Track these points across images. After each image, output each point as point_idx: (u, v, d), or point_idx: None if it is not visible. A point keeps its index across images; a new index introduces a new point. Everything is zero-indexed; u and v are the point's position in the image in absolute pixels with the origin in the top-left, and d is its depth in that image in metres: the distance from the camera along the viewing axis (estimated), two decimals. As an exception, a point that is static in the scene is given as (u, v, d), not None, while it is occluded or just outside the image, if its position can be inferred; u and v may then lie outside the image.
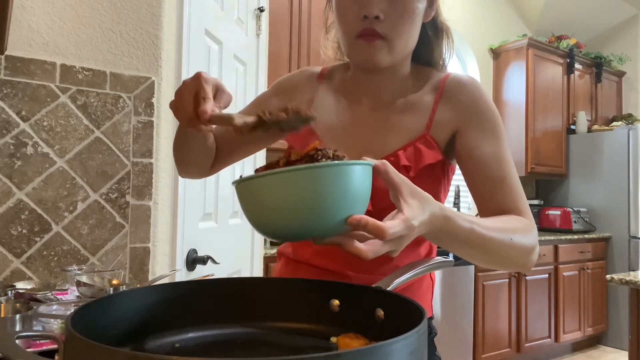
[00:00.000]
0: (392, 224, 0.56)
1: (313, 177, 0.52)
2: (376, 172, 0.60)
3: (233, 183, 0.58)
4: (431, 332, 0.97)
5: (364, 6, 0.82)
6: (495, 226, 0.74)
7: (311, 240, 0.59)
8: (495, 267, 0.80)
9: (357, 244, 0.57)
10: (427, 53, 0.96)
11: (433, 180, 0.89)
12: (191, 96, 0.68)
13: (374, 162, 0.59)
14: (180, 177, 1.67)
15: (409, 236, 0.60)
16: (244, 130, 0.62)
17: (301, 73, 1.03)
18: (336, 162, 0.55)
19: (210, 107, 0.65)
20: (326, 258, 0.91)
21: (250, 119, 0.63)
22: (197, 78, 0.68)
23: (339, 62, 1.03)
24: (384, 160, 0.61)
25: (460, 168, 0.90)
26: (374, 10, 0.82)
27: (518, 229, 0.78)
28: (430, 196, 0.65)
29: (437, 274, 3.30)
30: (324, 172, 0.53)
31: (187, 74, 1.69)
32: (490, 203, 0.84)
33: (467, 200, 4.63)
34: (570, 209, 4.51)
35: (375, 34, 0.83)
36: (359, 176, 0.56)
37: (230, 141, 0.98)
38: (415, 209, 0.60)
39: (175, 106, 0.71)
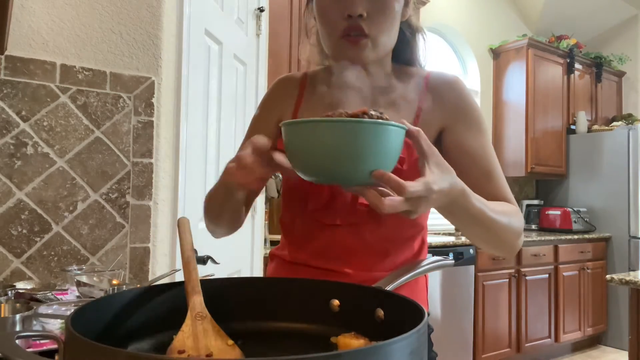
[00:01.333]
0: (412, 184, 0.61)
1: (352, 129, 0.60)
2: (409, 136, 0.65)
3: (282, 124, 0.66)
4: (427, 329, 0.97)
5: (347, 6, 0.85)
6: (497, 209, 0.80)
7: (340, 186, 0.66)
8: (491, 246, 0.85)
9: (378, 196, 0.61)
10: (407, 52, 0.98)
11: None
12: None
13: (408, 126, 0.64)
14: (180, 177, 1.67)
15: (428, 200, 0.63)
16: None
17: (280, 83, 1.04)
18: (373, 120, 0.62)
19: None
20: (325, 258, 0.91)
21: None
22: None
23: (320, 67, 1.04)
24: (419, 129, 0.65)
25: (450, 163, 0.91)
26: (358, 9, 0.84)
27: (512, 213, 0.84)
28: (453, 170, 0.68)
29: (437, 274, 3.30)
30: (362, 127, 0.60)
31: (187, 74, 1.69)
32: (482, 194, 0.86)
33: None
34: (570, 209, 4.51)
35: (360, 32, 0.85)
36: (391, 136, 0.62)
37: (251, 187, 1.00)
38: (436, 176, 0.64)
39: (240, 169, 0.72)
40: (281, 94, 1.01)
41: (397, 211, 0.62)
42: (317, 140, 0.62)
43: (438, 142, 0.92)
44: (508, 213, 0.83)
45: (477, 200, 0.74)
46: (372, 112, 0.63)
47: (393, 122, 0.62)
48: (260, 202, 2.33)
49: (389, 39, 0.90)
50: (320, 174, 0.66)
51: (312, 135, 0.63)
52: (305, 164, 0.66)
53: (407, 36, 0.98)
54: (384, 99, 0.94)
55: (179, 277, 1.73)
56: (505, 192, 0.89)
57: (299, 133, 0.65)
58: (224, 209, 0.91)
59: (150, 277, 1.57)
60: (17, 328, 0.77)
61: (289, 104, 0.99)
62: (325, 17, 0.88)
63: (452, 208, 0.71)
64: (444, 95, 0.92)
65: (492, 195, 0.87)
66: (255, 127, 1.03)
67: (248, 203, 0.99)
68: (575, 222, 4.46)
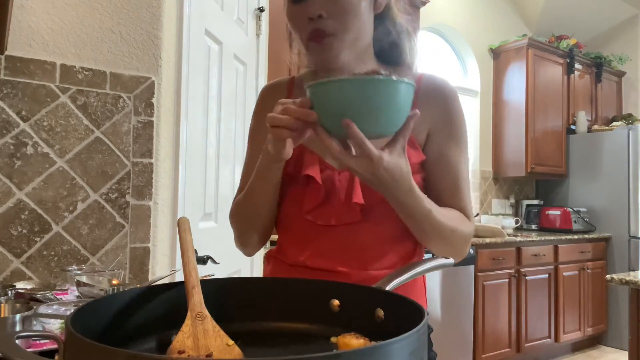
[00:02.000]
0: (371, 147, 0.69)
1: (371, 85, 0.65)
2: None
3: (306, 86, 0.70)
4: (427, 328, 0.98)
5: (306, 9, 0.86)
6: (446, 214, 0.86)
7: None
8: (439, 248, 0.89)
9: (337, 147, 0.69)
10: (394, 53, 0.98)
11: (416, 177, 0.90)
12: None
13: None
14: (180, 177, 1.67)
15: (374, 165, 0.70)
16: None
17: (267, 91, 1.04)
18: (389, 77, 0.66)
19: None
20: (322, 258, 0.91)
21: None
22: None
23: (307, 70, 1.04)
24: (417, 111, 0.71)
25: (425, 166, 0.94)
26: (316, 11, 0.85)
27: (461, 220, 0.90)
28: (409, 170, 0.75)
29: (437, 274, 3.30)
30: (378, 82, 0.65)
31: (187, 74, 1.69)
32: (443, 201, 0.91)
33: (467, 200, 4.62)
34: (570, 209, 4.51)
35: (322, 33, 0.86)
36: (405, 91, 0.67)
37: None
38: (391, 158, 0.71)
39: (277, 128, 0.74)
40: (269, 102, 1.01)
41: (344, 162, 0.70)
42: (340, 97, 0.67)
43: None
44: (457, 219, 0.88)
45: (427, 202, 0.81)
46: (382, 71, 0.68)
47: (406, 79, 0.67)
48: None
49: (358, 36, 0.89)
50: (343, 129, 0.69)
51: (335, 93, 0.67)
52: (330, 121, 0.69)
53: (393, 36, 0.97)
54: None
55: (179, 277, 1.73)
56: (465, 205, 0.93)
57: (323, 92, 0.69)
58: (260, 202, 0.91)
59: (150, 277, 1.57)
60: (17, 328, 0.77)
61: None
62: (292, 23, 0.90)
63: (398, 200, 0.78)
64: (434, 101, 0.93)
65: (451, 205, 0.91)
66: (254, 139, 1.03)
67: (274, 197, 0.96)
68: (575, 222, 4.46)
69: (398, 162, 0.72)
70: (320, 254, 0.91)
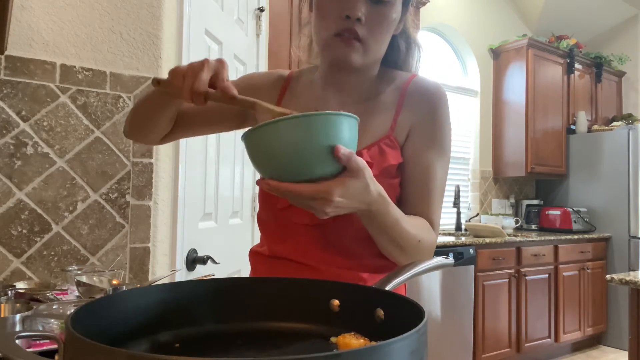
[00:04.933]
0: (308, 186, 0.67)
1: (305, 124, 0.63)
2: (341, 157, 0.66)
3: (242, 137, 0.69)
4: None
5: (348, 8, 0.85)
6: (412, 223, 0.84)
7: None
8: (396, 256, 0.87)
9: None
10: (397, 60, 1.00)
11: (393, 180, 0.91)
12: (210, 74, 0.73)
13: (340, 150, 0.65)
14: (180, 177, 1.67)
15: (330, 204, 0.67)
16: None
17: (270, 74, 1.04)
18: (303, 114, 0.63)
19: (233, 88, 0.73)
20: (299, 254, 0.92)
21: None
22: (222, 62, 0.74)
23: (308, 65, 1.04)
24: (351, 152, 0.67)
25: (401, 167, 0.93)
26: (358, 13, 0.85)
27: (425, 233, 0.88)
28: (376, 196, 0.73)
29: (437, 274, 3.30)
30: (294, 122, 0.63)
31: (187, 74, 1.69)
32: (410, 207, 0.90)
33: (467, 200, 4.63)
34: (570, 209, 4.51)
35: (354, 35, 0.86)
36: (334, 124, 0.64)
37: (192, 119, 1.02)
38: (346, 190, 0.68)
39: (187, 75, 0.73)
40: (268, 85, 1.01)
41: (301, 201, 0.67)
42: (266, 143, 0.65)
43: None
44: (423, 229, 0.87)
45: (397, 211, 0.79)
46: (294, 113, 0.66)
47: (327, 112, 0.64)
48: (260, 202, 2.33)
49: (380, 48, 0.91)
50: (282, 175, 0.67)
51: (261, 139, 0.66)
52: (264, 167, 0.68)
53: (402, 47, 0.99)
54: (365, 102, 0.95)
55: (179, 277, 1.73)
56: (433, 216, 0.91)
57: (251, 141, 0.68)
58: (143, 112, 0.94)
59: (150, 277, 1.57)
60: (17, 328, 0.77)
61: (271, 100, 0.99)
62: (324, 12, 0.88)
63: (370, 214, 0.76)
64: (419, 102, 0.93)
65: (418, 212, 0.90)
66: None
67: (167, 121, 0.98)
68: (575, 222, 4.46)
69: (356, 184, 0.69)
70: (297, 250, 0.92)
